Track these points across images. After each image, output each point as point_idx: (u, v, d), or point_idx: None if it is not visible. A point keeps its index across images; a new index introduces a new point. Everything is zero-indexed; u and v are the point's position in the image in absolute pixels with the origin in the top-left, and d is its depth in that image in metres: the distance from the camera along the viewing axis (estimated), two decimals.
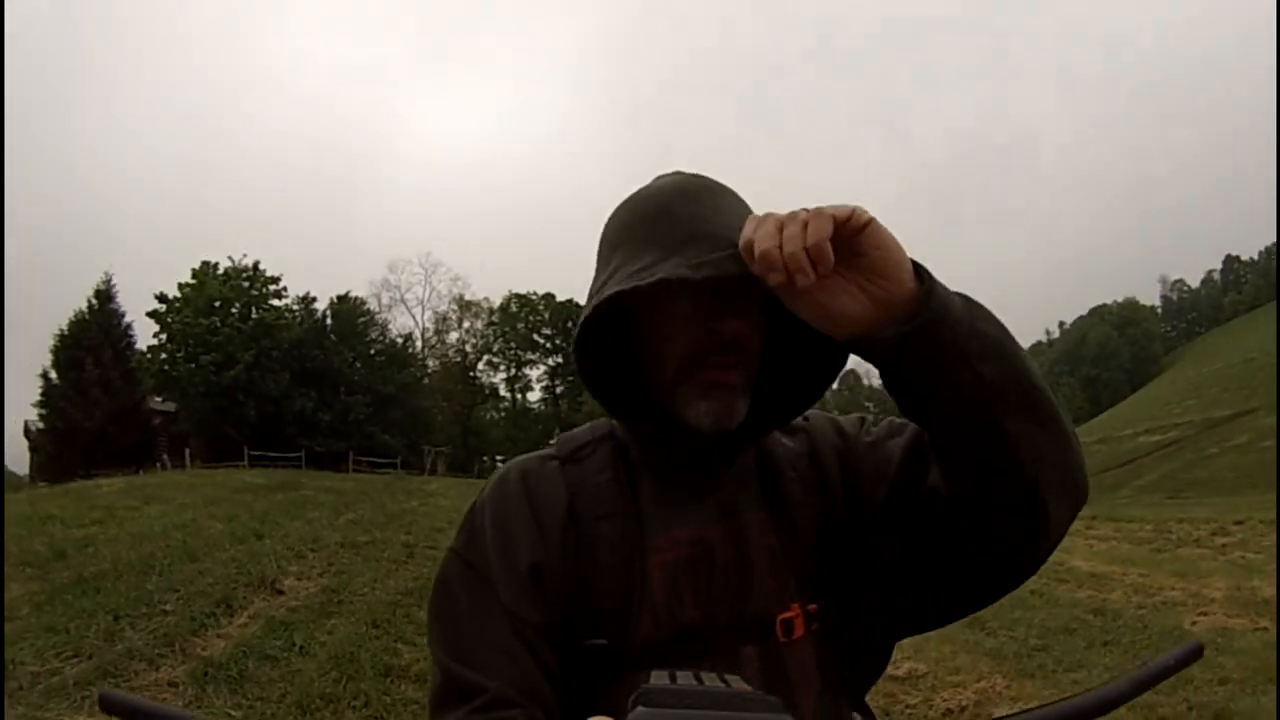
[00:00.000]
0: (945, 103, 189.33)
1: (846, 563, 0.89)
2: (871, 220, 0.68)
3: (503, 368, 63.89)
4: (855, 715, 0.87)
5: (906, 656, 5.31)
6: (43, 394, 31.84)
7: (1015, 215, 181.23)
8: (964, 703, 4.67)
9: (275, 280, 40.09)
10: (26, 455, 35.89)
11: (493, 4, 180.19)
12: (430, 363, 56.72)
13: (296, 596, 7.45)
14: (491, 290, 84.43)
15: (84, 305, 33.60)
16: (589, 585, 0.83)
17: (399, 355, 45.20)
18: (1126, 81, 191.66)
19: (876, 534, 0.88)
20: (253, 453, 30.68)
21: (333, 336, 41.46)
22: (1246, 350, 58.68)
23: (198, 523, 11.02)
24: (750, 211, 0.85)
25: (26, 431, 35.15)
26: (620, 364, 0.90)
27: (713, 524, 0.87)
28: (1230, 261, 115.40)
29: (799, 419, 0.96)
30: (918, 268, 0.71)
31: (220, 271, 38.75)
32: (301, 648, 5.77)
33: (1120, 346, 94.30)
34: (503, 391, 64.39)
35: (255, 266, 39.64)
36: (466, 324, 61.76)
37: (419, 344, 55.52)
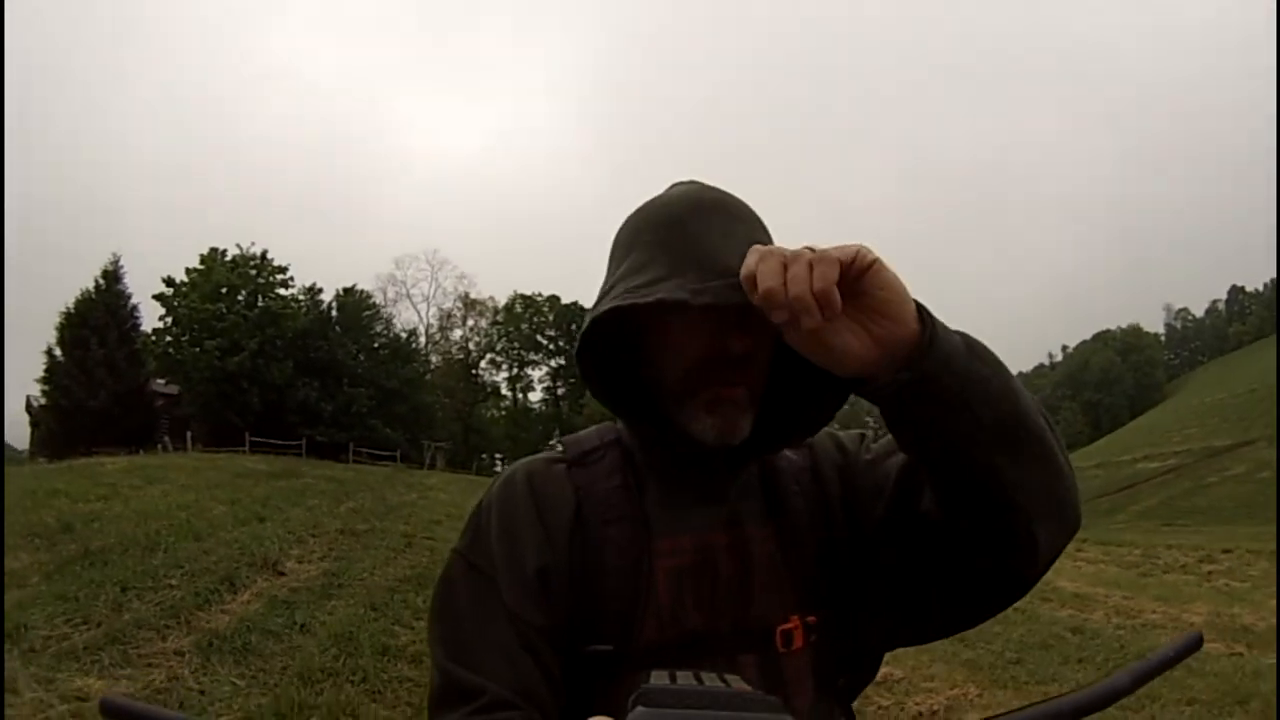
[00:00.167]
0: (954, 129, 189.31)
1: (845, 576, 0.90)
2: (876, 261, 0.68)
3: (505, 367, 63.96)
4: None
5: (883, 662, 5.40)
6: (46, 371, 31.66)
7: (1021, 238, 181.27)
8: (935, 707, 4.78)
9: (283, 270, 39.79)
10: (27, 431, 35.92)
11: (506, 2, 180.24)
12: (433, 359, 56.60)
13: (298, 578, 7.60)
14: (497, 290, 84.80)
15: (91, 285, 33.42)
16: (594, 588, 0.84)
17: (403, 350, 44.93)
18: (1137, 110, 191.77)
19: (874, 549, 0.89)
20: (254, 439, 30.58)
21: (338, 328, 41.15)
22: (1249, 381, 58.57)
23: (200, 504, 11.16)
24: (764, 228, 0.88)
25: (28, 407, 35.03)
26: (625, 366, 0.91)
27: (717, 533, 0.88)
28: (1235, 292, 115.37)
29: None
30: (920, 309, 0.71)
31: (228, 259, 38.43)
32: (303, 625, 5.95)
33: (1123, 372, 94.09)
34: (504, 390, 64.53)
35: (263, 255, 39.32)
36: (471, 322, 61.99)
37: (423, 340, 55.51)
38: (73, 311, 32.33)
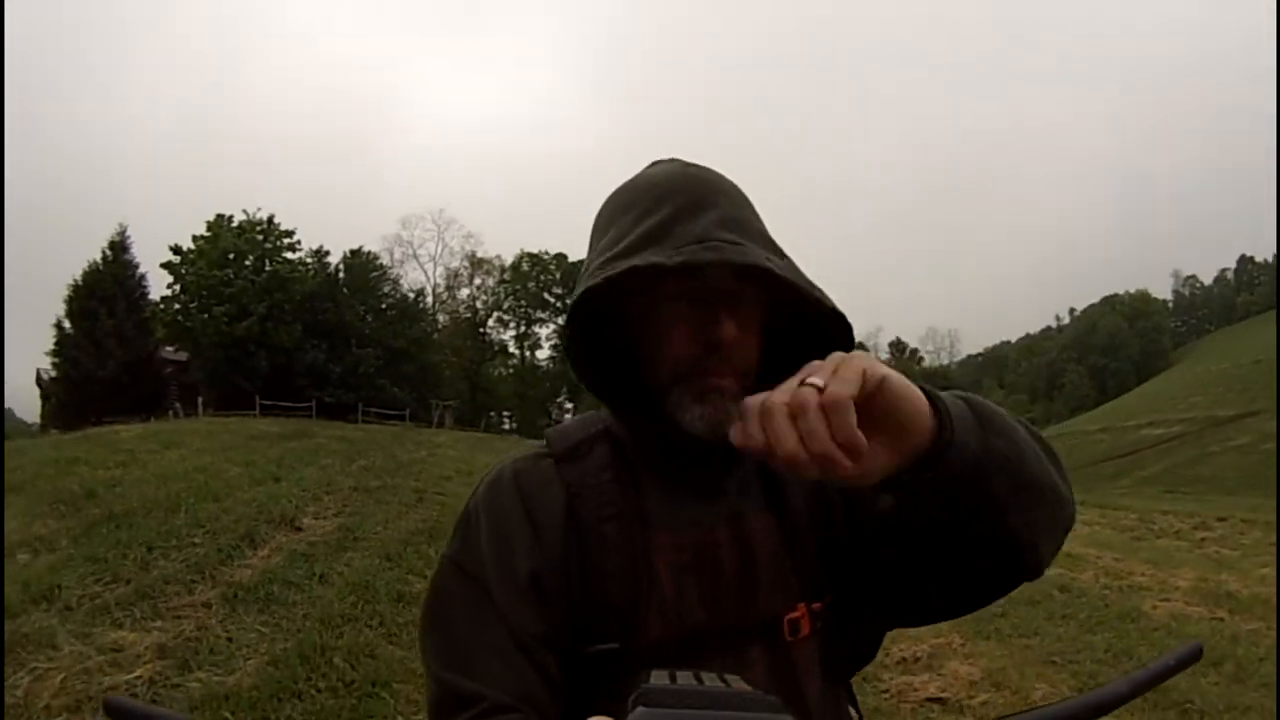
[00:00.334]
0: (967, 93, 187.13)
1: (847, 562, 0.90)
2: (884, 378, 0.63)
3: (512, 325, 63.52)
4: (851, 710, 0.94)
5: None
6: (56, 343, 32.03)
7: (1033, 202, 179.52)
8: (919, 654, 4.95)
9: (289, 234, 39.73)
10: (38, 403, 36.47)
11: None
12: (440, 318, 56.47)
13: (315, 533, 7.86)
14: (504, 248, 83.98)
15: (98, 256, 33.69)
16: (594, 588, 0.82)
17: (410, 310, 44.83)
18: (1150, 77, 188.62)
19: (874, 541, 0.89)
20: (263, 402, 30.86)
21: (345, 290, 41.07)
22: (1254, 351, 57.87)
23: (216, 466, 11.36)
24: (747, 202, 0.86)
25: (39, 380, 35.48)
26: (616, 356, 0.90)
27: (718, 527, 0.87)
28: (1244, 261, 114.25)
29: None
30: (932, 400, 0.68)
31: (235, 224, 38.38)
32: (321, 576, 6.22)
33: (1130, 338, 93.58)
34: (512, 349, 64.05)
35: (270, 220, 39.25)
36: (478, 281, 61.70)
37: (430, 299, 55.19)
38: (81, 284, 32.62)
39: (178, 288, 36.90)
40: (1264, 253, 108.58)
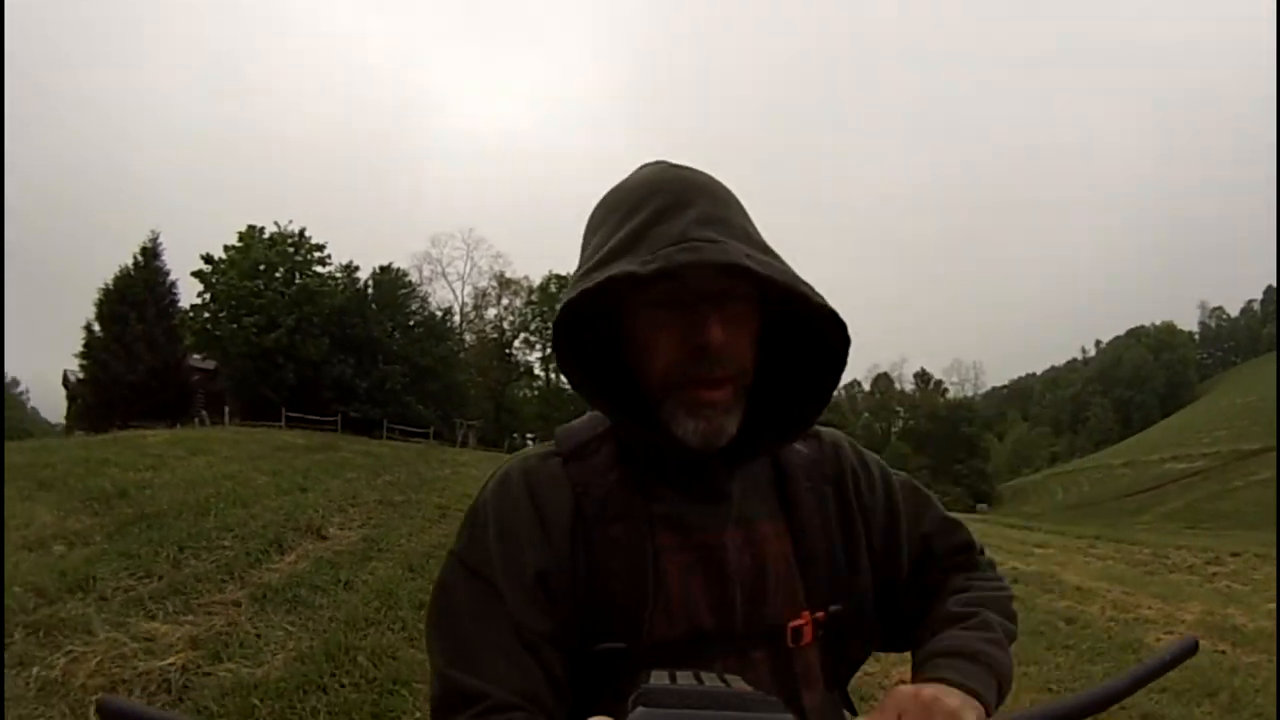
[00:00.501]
0: (998, 120, 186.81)
1: (852, 573, 0.92)
2: None
3: (539, 346, 62.57)
4: (849, 717, 0.94)
5: None
6: (85, 346, 32.38)
7: (1059, 232, 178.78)
8: None
9: (320, 248, 39.73)
10: (64, 404, 36.87)
11: None
12: (467, 337, 56.17)
13: (340, 542, 8.08)
14: (532, 269, 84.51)
15: (130, 262, 34.17)
16: (601, 588, 0.82)
17: (437, 328, 44.65)
18: (1182, 107, 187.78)
19: (876, 567, 0.94)
20: (289, 414, 30.90)
21: (373, 306, 40.96)
22: None
23: (244, 474, 11.57)
24: (736, 204, 0.85)
25: (65, 381, 35.82)
26: (613, 363, 0.89)
27: (727, 531, 0.86)
28: (1271, 293, 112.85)
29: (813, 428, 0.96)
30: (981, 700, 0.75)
31: (266, 236, 38.42)
32: (346, 583, 6.44)
33: (1155, 370, 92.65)
34: (537, 370, 63.30)
35: (301, 233, 39.24)
36: (505, 301, 61.06)
37: (457, 318, 54.90)
38: (112, 288, 33.03)
39: (208, 296, 37.04)
40: None
